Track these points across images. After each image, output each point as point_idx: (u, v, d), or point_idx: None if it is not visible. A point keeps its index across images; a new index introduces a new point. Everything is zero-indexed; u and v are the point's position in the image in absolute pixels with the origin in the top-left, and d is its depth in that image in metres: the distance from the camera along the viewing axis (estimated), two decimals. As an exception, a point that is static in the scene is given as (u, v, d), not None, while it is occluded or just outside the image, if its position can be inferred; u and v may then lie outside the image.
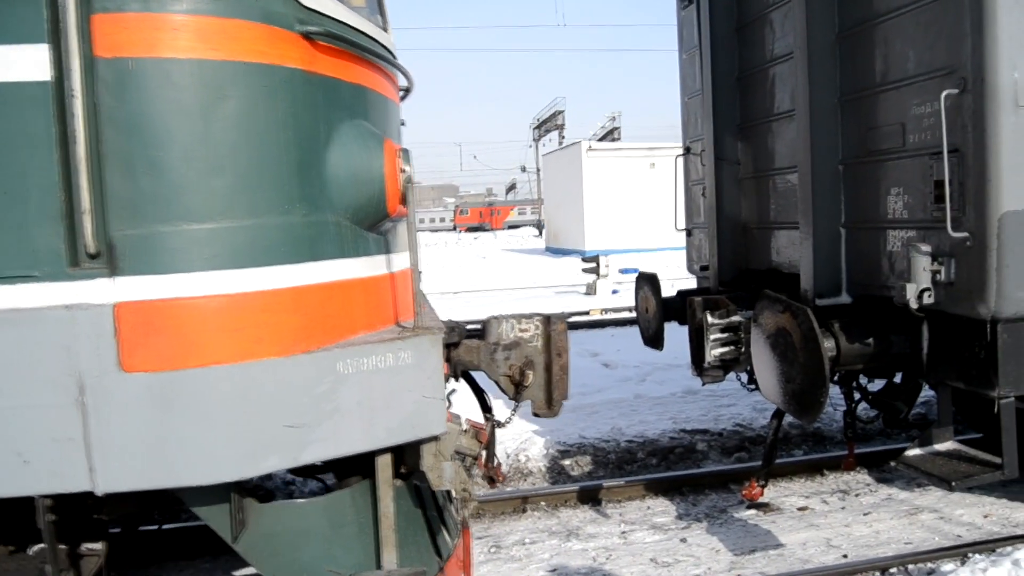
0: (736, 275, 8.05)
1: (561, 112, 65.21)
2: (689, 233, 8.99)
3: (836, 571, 5.95)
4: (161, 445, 3.47)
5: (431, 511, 4.76)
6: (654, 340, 8.00)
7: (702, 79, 8.10)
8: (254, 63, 3.67)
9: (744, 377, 7.33)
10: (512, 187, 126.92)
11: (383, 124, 4.59)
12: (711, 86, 7.93)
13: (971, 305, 5.12)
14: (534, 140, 69.88)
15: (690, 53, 8.56)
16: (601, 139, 58.16)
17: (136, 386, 3.43)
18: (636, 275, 8.42)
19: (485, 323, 4.95)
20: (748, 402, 10.35)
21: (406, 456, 4.34)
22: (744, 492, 7.19)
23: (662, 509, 7.46)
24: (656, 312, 7.89)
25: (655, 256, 33.19)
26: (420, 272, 4.33)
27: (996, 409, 5.33)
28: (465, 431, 4.49)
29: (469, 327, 4.96)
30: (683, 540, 6.70)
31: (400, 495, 4.41)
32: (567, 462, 8.68)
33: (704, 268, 8.43)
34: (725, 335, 6.38)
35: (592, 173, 40.81)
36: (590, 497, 7.70)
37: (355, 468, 4.37)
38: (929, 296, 5.27)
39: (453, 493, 4.60)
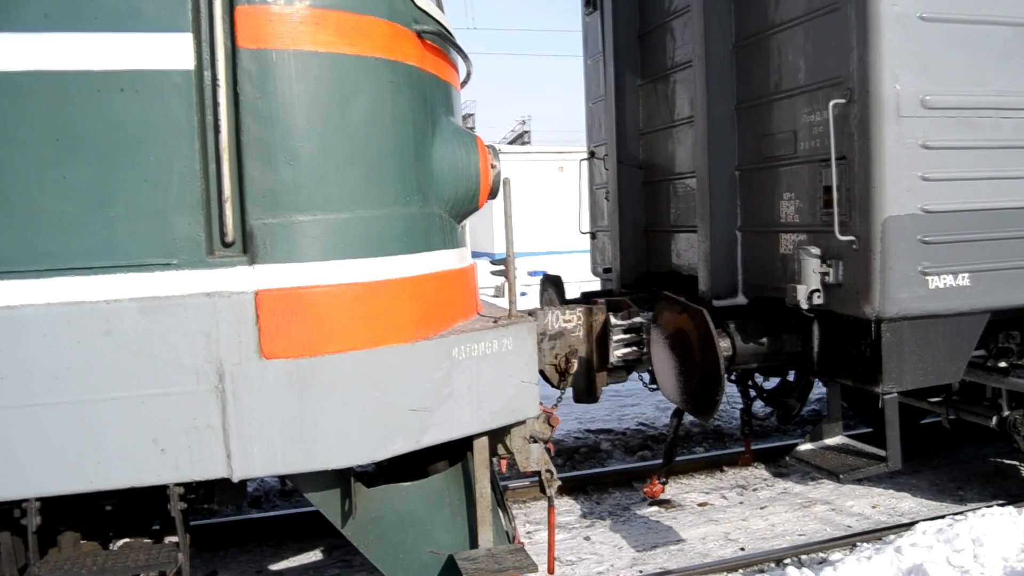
0: (638, 277, 8.22)
1: (471, 115, 65.10)
2: (593, 236, 9.13)
3: (733, 564, 6.13)
4: (298, 430, 3.54)
5: (497, 494, 4.86)
6: (559, 341, 8.08)
7: (605, 85, 8.25)
8: (382, 59, 3.80)
9: (647, 377, 7.48)
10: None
11: (459, 118, 4.76)
12: (614, 92, 8.08)
13: (857, 305, 5.36)
14: (444, 142, 69.59)
15: (594, 59, 8.70)
16: (511, 142, 58.36)
17: (276, 372, 3.49)
18: (541, 277, 8.50)
19: (530, 314, 5.04)
20: (651, 401, 10.57)
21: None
22: (646, 489, 7.33)
23: (567, 508, 7.54)
24: (561, 314, 7.97)
25: (563, 259, 33.44)
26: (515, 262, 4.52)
27: (880, 404, 5.59)
28: (537, 416, 4.60)
29: None
30: (587, 538, 6.80)
31: (466, 479, 4.53)
32: (474, 463, 8.70)
33: (607, 270, 8.58)
34: (628, 336, 6.50)
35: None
36: (496, 498, 7.74)
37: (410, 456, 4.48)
38: (818, 297, 5.50)
39: (542, 473, 4.79)
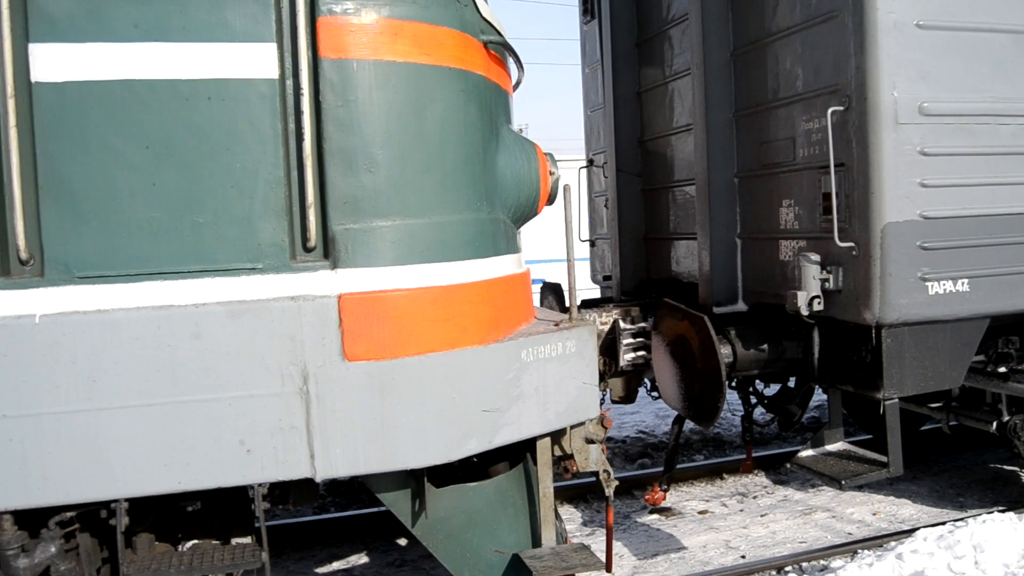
0: (638, 284, 8.22)
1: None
2: (593, 244, 9.15)
3: (734, 572, 6.12)
4: (379, 431, 3.62)
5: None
6: (559, 349, 8.07)
7: (604, 93, 8.27)
8: (455, 68, 3.90)
9: (647, 384, 7.48)
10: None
11: (514, 126, 4.87)
12: (612, 100, 8.10)
13: (857, 311, 5.36)
14: (441, 151, 69.47)
15: (593, 67, 8.73)
16: (508, 151, 58.38)
17: (358, 374, 3.57)
18: (541, 285, 8.50)
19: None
20: (651, 409, 10.56)
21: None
22: (647, 497, 7.32)
23: (567, 517, 7.54)
24: (561, 321, 7.96)
25: (561, 266, 33.41)
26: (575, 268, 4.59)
27: (882, 410, 5.60)
28: (591, 419, 4.67)
29: None
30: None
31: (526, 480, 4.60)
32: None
33: (607, 278, 8.59)
34: (637, 340, 6.50)
35: (499, 184, 40.91)
36: (497, 506, 7.72)
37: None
38: (819, 303, 5.50)
39: (600, 474, 4.87)
